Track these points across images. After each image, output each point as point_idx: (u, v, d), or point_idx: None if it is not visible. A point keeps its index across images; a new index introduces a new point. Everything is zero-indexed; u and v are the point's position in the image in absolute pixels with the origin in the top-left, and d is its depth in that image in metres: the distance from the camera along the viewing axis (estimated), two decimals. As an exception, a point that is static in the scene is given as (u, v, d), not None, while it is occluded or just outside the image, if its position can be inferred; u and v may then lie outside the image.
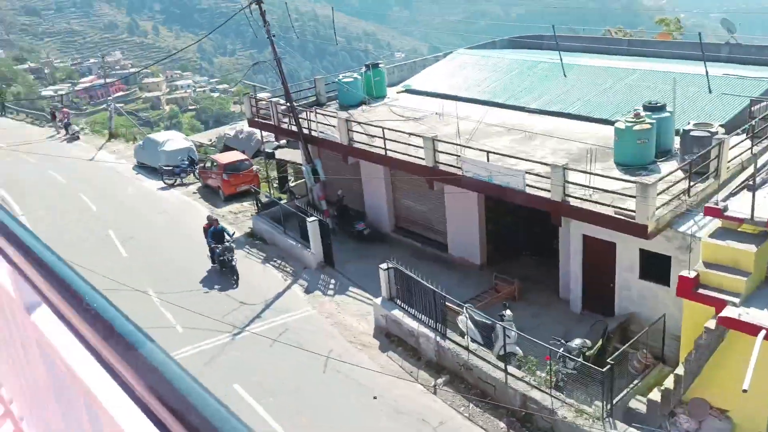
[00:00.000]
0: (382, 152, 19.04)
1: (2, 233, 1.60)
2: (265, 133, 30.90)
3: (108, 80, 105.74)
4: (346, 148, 19.98)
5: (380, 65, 25.44)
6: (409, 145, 18.32)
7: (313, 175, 21.50)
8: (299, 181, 25.40)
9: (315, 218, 19.73)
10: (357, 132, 20.19)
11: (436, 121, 21.16)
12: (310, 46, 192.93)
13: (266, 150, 28.09)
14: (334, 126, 20.35)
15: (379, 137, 19.33)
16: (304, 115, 21.70)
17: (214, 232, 20.09)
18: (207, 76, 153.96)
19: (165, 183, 29.52)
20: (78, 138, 39.06)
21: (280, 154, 28.20)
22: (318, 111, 21.09)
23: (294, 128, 21.57)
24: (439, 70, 26.44)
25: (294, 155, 29.09)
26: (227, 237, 19.96)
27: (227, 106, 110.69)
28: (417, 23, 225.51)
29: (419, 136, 18.00)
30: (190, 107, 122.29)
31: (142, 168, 32.53)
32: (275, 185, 28.19)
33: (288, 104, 20.89)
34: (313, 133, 21.38)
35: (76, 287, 1.26)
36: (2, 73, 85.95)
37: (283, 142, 29.73)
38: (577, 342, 13.64)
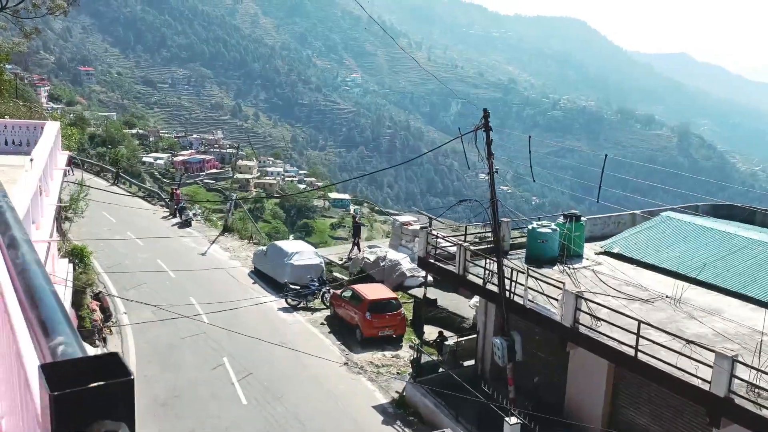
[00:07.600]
0: (627, 350, 13.97)
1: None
2: (410, 266, 26.70)
3: (206, 156, 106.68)
4: (571, 332, 15.09)
5: (582, 218, 21.02)
6: (669, 349, 13.24)
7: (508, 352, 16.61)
8: (463, 339, 20.57)
9: (518, 420, 14.68)
10: (582, 311, 15.38)
11: (668, 305, 16.31)
12: (398, 154, 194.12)
13: (412, 287, 23.65)
14: (555, 299, 15.63)
15: (609, 323, 14.54)
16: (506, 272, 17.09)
17: None
18: (296, 166, 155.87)
19: (288, 303, 25.31)
20: (190, 225, 35.96)
21: (430, 294, 23.66)
22: (531, 270, 16.44)
23: (492, 287, 16.99)
24: (647, 234, 21.77)
25: (449, 300, 24.51)
26: None
27: (310, 200, 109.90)
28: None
29: (702, 346, 12.75)
30: (276, 194, 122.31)
31: (259, 276, 28.61)
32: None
33: (495, 256, 16.39)
34: (516, 298, 16.70)
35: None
36: (112, 134, 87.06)
37: (429, 279, 25.30)
38: None
